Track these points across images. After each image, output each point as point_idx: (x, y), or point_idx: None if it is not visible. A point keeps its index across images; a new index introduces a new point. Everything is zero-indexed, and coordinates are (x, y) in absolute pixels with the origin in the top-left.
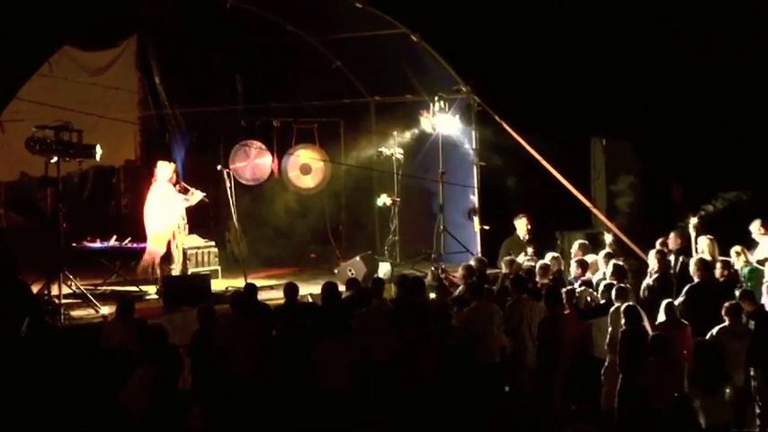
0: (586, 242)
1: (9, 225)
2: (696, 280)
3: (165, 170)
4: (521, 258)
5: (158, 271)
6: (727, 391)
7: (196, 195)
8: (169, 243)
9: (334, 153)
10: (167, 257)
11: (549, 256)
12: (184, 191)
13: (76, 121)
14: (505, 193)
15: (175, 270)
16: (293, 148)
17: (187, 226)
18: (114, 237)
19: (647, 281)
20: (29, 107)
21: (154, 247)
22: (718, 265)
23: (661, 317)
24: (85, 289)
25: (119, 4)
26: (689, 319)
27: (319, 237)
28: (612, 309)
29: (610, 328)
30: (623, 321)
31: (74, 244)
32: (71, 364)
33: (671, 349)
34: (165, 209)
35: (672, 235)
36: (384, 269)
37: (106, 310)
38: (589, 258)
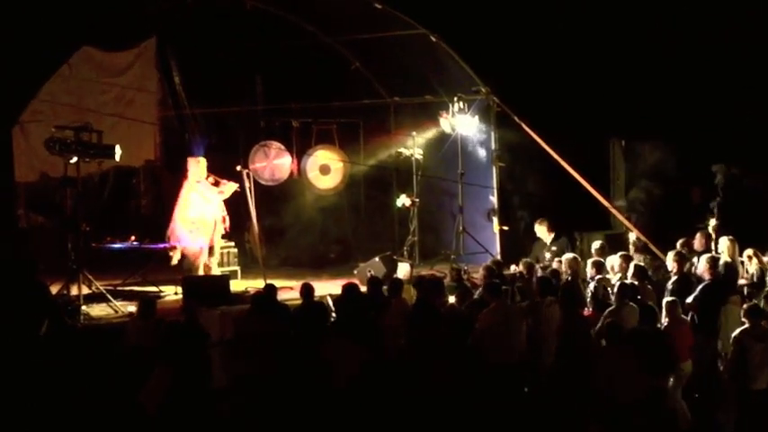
0: (605, 243)
1: (29, 226)
2: (707, 278)
3: (195, 166)
4: (547, 257)
5: (201, 265)
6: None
7: (229, 187)
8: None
9: (354, 154)
10: (210, 251)
11: (566, 258)
12: (216, 184)
13: (96, 121)
14: (525, 193)
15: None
16: (312, 149)
17: (227, 218)
18: (133, 237)
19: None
20: (49, 108)
21: (196, 240)
22: (741, 266)
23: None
24: (105, 289)
25: (137, 3)
26: (700, 317)
27: (338, 237)
28: (625, 308)
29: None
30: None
31: (93, 244)
32: (91, 365)
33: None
34: (203, 204)
35: (697, 236)
36: (403, 270)
37: (129, 308)
38: (610, 260)
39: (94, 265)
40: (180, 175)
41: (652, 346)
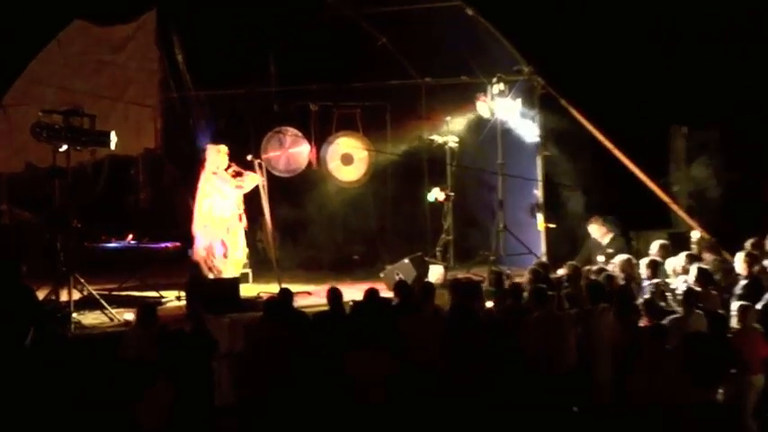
0: (668, 243)
1: (12, 222)
2: None
3: (214, 155)
4: (600, 260)
5: (214, 266)
6: None
7: (250, 179)
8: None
9: (380, 141)
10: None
11: (619, 259)
12: (237, 175)
13: (89, 105)
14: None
15: (229, 267)
16: (333, 136)
17: (243, 216)
18: (131, 235)
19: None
20: (35, 89)
21: (206, 238)
22: None
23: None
24: (99, 294)
25: None
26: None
27: (363, 236)
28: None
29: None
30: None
31: (85, 243)
32: (83, 379)
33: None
34: (217, 198)
35: None
36: (436, 273)
37: (126, 316)
38: (670, 262)
39: (87, 266)
40: (186, 165)
41: (703, 352)
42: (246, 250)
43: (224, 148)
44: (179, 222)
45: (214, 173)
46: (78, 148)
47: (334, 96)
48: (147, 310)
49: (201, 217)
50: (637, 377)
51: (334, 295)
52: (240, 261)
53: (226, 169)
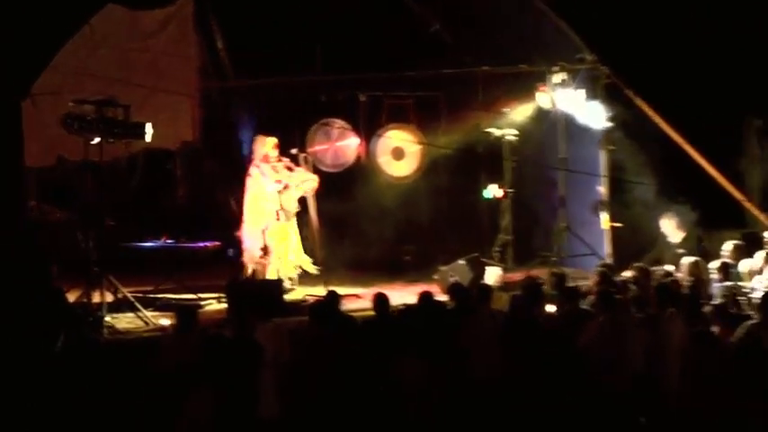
0: (742, 243)
1: (42, 220)
2: None
3: (259, 146)
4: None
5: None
6: None
7: (297, 176)
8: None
9: (433, 134)
10: (265, 251)
11: (685, 262)
12: (288, 170)
13: (123, 94)
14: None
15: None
16: (383, 128)
17: (284, 213)
18: (167, 234)
19: None
20: (66, 78)
21: (247, 242)
22: None
23: None
24: (133, 296)
25: None
26: None
27: (415, 235)
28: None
29: None
30: None
31: (119, 243)
32: (116, 387)
33: None
34: (257, 191)
35: None
36: (493, 275)
37: (162, 321)
38: (745, 263)
39: (120, 267)
40: (226, 159)
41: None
42: (301, 258)
43: (271, 141)
44: (218, 220)
45: (257, 165)
46: (112, 140)
47: (385, 86)
48: (187, 313)
49: (246, 213)
50: (706, 387)
51: (380, 302)
52: (290, 264)
53: (274, 162)
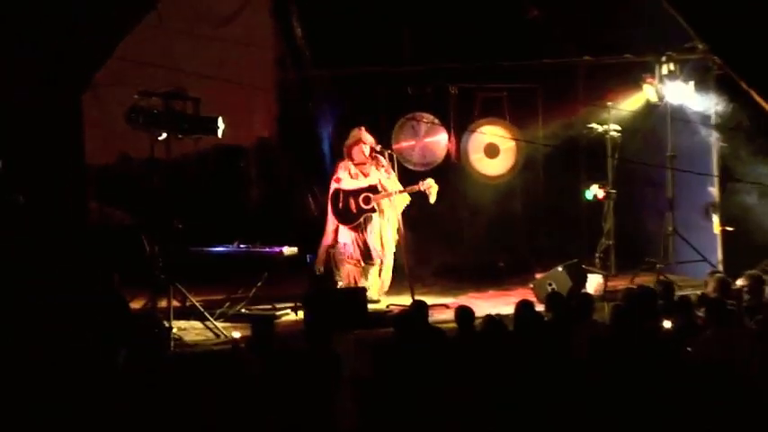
0: None
1: (104, 222)
2: None
3: (350, 141)
4: None
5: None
6: None
7: (391, 181)
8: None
9: (530, 129)
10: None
11: None
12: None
13: (192, 86)
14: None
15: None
16: (476, 123)
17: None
18: (239, 239)
19: None
20: (131, 68)
21: (342, 240)
22: None
23: None
24: (203, 306)
25: None
26: None
27: (509, 239)
28: None
29: None
30: None
31: (188, 247)
32: (184, 404)
33: None
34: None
35: None
36: (594, 283)
37: (234, 333)
38: None
39: (189, 274)
40: (305, 157)
41: None
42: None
43: (354, 135)
44: (296, 223)
45: (342, 160)
46: (180, 136)
47: (477, 77)
48: (262, 324)
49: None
50: None
51: (463, 316)
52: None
53: (362, 157)
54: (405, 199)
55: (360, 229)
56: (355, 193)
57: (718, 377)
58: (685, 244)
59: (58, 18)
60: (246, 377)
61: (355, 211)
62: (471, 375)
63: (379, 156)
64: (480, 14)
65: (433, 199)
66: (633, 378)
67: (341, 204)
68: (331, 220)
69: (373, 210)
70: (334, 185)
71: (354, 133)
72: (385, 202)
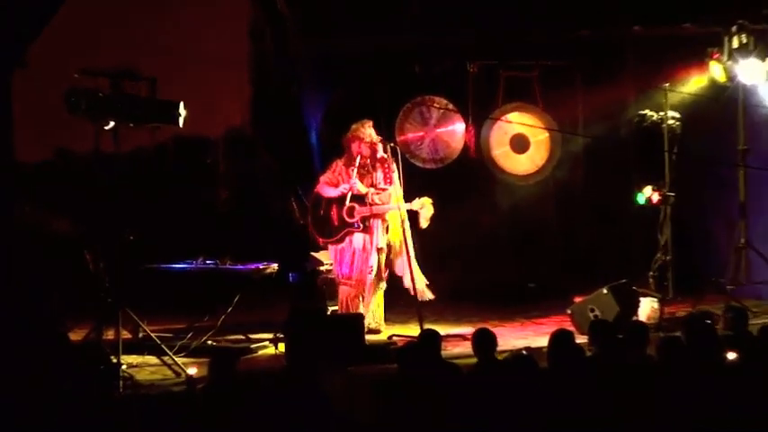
0: None
1: (38, 232)
2: None
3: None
4: None
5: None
6: None
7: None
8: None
9: (566, 117)
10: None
11: None
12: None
13: (148, 63)
14: None
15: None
16: (500, 110)
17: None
18: (205, 253)
19: None
20: (72, 41)
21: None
22: None
23: None
24: (160, 337)
25: None
26: None
27: (542, 254)
28: None
29: None
30: None
31: (142, 264)
32: None
33: None
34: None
35: None
36: (647, 308)
37: (191, 371)
38: None
39: (144, 297)
40: (287, 151)
41: None
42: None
43: (359, 128)
44: (276, 233)
45: (339, 157)
46: (132, 125)
47: (502, 52)
48: (222, 359)
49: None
50: None
51: (483, 341)
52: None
53: (368, 160)
54: (396, 214)
55: (342, 245)
56: (340, 200)
57: None
58: (761, 260)
59: None
60: (206, 427)
61: (337, 224)
62: (493, 421)
63: (385, 156)
64: None
65: (424, 224)
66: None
67: (321, 211)
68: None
69: (357, 226)
70: (315, 190)
71: (354, 128)
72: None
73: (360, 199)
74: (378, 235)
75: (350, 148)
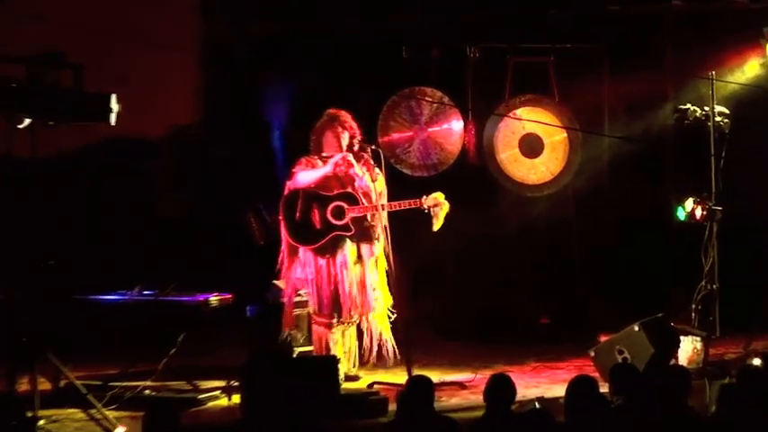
0: None
1: None
2: None
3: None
4: None
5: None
6: None
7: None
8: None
9: (590, 113)
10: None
11: None
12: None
13: (73, 47)
14: None
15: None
16: (507, 104)
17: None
18: (143, 281)
19: None
20: None
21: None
22: None
23: None
24: (86, 386)
25: None
26: None
27: (558, 283)
28: None
29: None
30: None
31: (66, 295)
32: None
33: None
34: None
35: None
36: (689, 348)
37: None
38: None
39: (67, 335)
40: (245, 153)
41: None
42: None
43: (347, 124)
44: (230, 257)
45: (307, 159)
46: (52, 123)
47: (510, 34)
48: (160, 413)
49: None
50: None
51: (499, 389)
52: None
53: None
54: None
55: (326, 256)
56: (321, 199)
57: None
58: None
59: None
60: None
61: (320, 226)
62: None
63: (363, 153)
64: None
65: (438, 225)
66: None
67: (298, 213)
68: (285, 242)
69: (348, 230)
70: (288, 186)
71: (329, 113)
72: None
73: (350, 198)
74: (376, 247)
75: (322, 137)
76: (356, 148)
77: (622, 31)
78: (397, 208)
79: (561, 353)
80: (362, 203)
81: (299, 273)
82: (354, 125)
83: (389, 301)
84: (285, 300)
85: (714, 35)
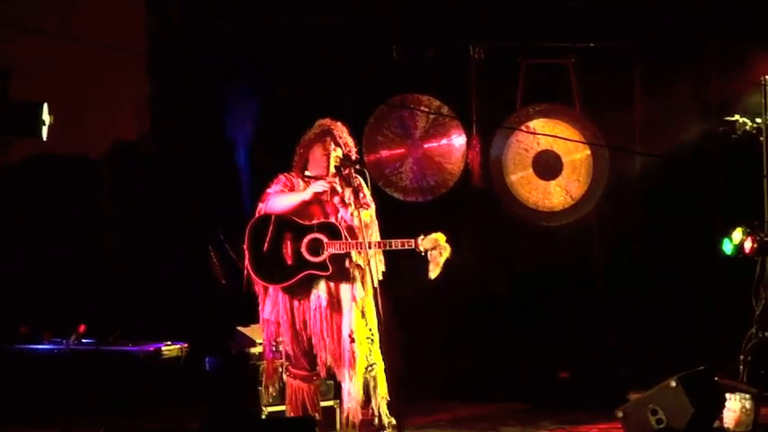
0: None
1: None
2: None
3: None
4: None
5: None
6: None
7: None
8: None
9: (618, 127)
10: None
11: None
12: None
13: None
14: None
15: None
16: (519, 115)
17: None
18: (82, 326)
19: None
20: None
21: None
22: None
23: None
24: None
25: None
26: None
27: (581, 329)
28: None
29: None
30: None
31: None
32: None
33: None
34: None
35: None
36: (736, 407)
37: None
38: None
39: None
40: (205, 175)
41: None
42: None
43: (342, 139)
44: (185, 299)
45: (287, 176)
46: None
47: (520, 33)
48: None
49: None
50: None
51: None
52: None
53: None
54: (378, 264)
55: (297, 298)
56: (297, 228)
57: None
58: None
59: None
60: None
61: (291, 262)
62: None
63: (355, 177)
64: None
65: (435, 272)
66: None
67: (266, 244)
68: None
69: (325, 268)
70: (259, 209)
71: (322, 124)
72: (359, 261)
73: (331, 230)
74: (358, 290)
75: (309, 151)
76: (345, 171)
77: (657, 30)
78: (387, 248)
79: (584, 414)
80: (346, 239)
81: (269, 313)
82: (351, 141)
83: (377, 354)
84: (264, 345)
85: (759, 38)
